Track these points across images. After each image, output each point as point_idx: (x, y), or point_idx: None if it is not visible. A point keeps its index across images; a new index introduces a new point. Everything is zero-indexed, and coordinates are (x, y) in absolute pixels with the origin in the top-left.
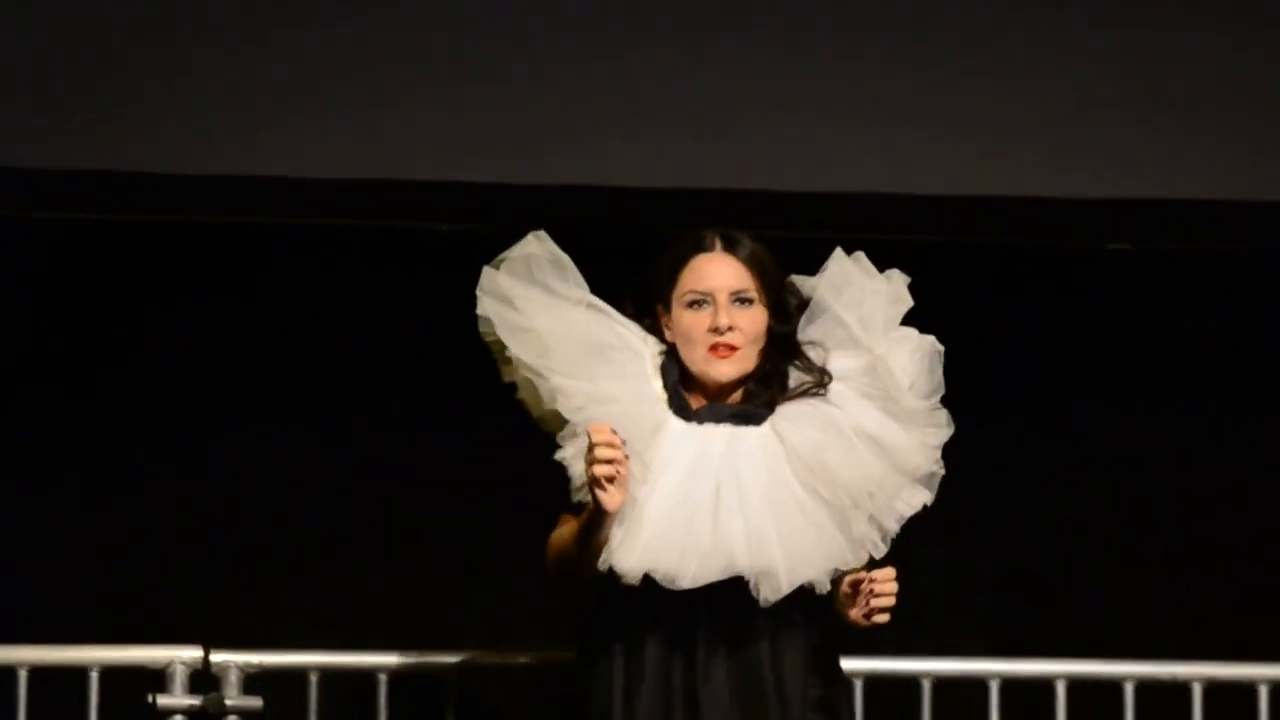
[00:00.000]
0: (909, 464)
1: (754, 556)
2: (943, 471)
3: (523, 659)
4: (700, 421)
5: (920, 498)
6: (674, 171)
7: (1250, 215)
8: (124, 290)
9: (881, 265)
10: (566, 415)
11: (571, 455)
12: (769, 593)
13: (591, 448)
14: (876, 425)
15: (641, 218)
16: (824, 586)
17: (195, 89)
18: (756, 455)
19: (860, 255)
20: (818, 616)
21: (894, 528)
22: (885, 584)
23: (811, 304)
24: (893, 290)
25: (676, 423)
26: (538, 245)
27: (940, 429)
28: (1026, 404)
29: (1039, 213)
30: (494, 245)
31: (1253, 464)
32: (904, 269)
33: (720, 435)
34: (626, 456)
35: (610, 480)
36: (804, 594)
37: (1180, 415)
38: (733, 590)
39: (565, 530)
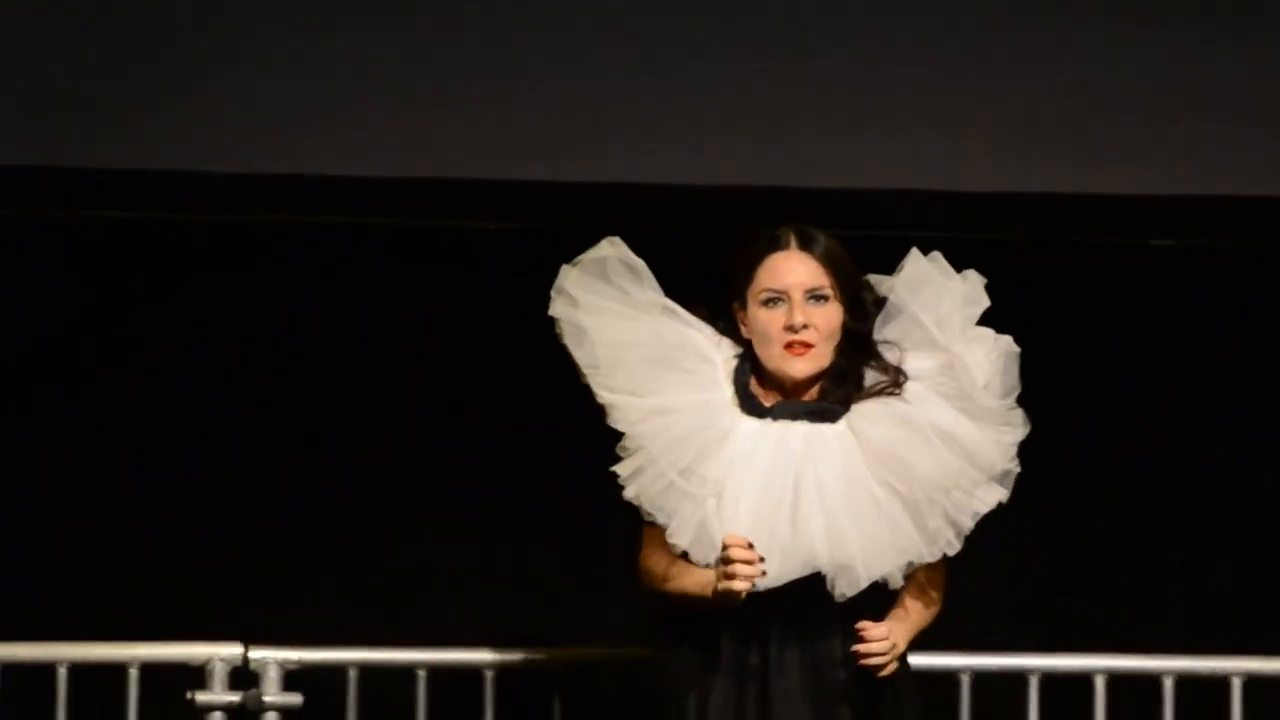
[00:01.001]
0: (984, 461)
1: (833, 552)
2: (1018, 469)
3: (565, 654)
4: (775, 418)
5: (995, 495)
6: (730, 170)
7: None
8: (132, 287)
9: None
10: (621, 429)
11: (629, 473)
12: (846, 587)
13: (728, 561)
14: (952, 423)
15: (702, 217)
16: (897, 581)
17: (207, 87)
18: (833, 451)
19: (937, 255)
20: (886, 611)
21: (969, 524)
22: (873, 644)
23: (888, 303)
24: (969, 290)
25: (750, 423)
26: (611, 249)
27: (1016, 428)
28: (1067, 400)
29: (1081, 209)
30: (527, 244)
31: None
32: (972, 265)
33: (797, 432)
34: (761, 559)
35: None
36: (876, 589)
37: (1216, 411)
38: (806, 585)
39: (663, 564)
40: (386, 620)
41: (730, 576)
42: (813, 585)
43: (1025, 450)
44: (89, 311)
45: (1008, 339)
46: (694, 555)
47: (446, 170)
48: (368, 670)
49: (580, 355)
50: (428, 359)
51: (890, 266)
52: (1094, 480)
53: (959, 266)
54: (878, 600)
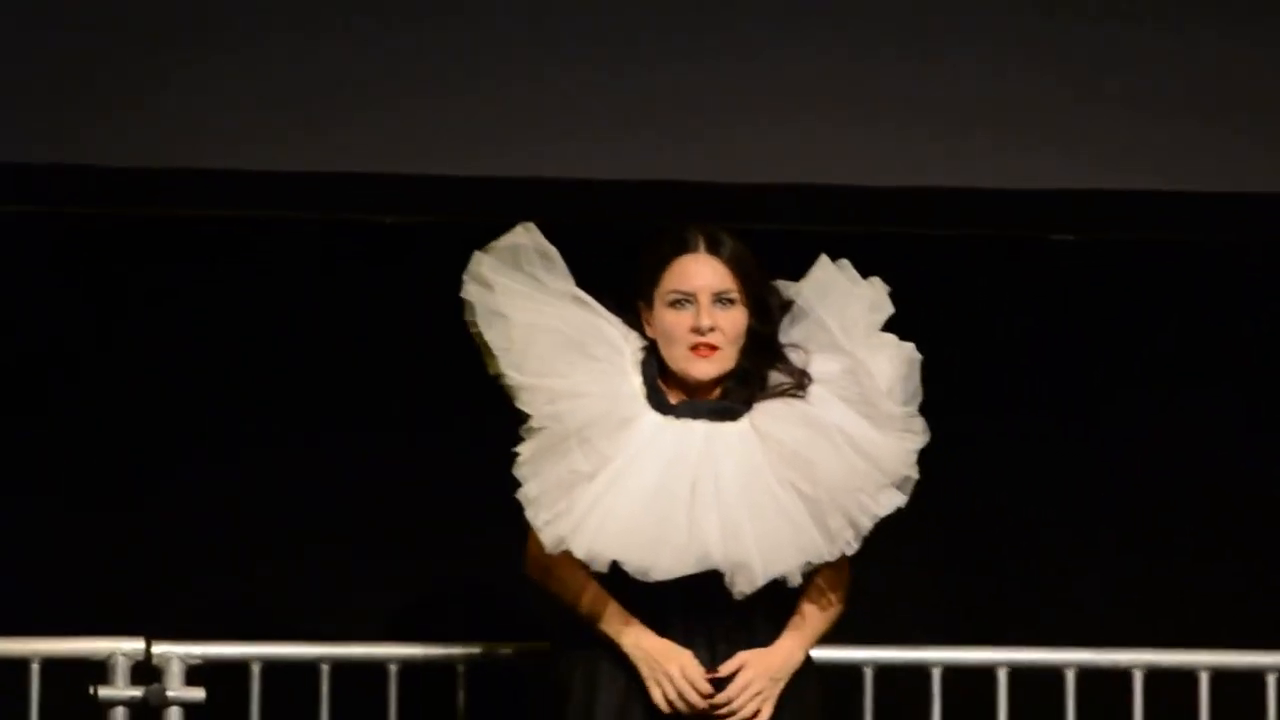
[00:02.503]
0: (886, 465)
1: (729, 549)
2: (917, 476)
3: (469, 649)
4: (679, 416)
5: (894, 500)
6: (646, 165)
7: (1201, 207)
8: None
9: (856, 258)
10: (529, 411)
11: (529, 454)
12: (744, 585)
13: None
14: (856, 426)
15: (611, 211)
16: (795, 580)
17: (176, 84)
18: (734, 449)
19: (845, 262)
20: (784, 609)
21: (868, 526)
22: (734, 698)
23: (795, 307)
24: (874, 296)
25: (653, 417)
26: (525, 236)
27: (916, 435)
28: (972, 395)
29: (995, 203)
30: (476, 238)
31: (1235, 448)
32: (877, 262)
33: (698, 430)
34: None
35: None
36: (777, 588)
37: (1129, 402)
38: (701, 583)
39: (578, 577)
40: (290, 616)
41: (660, 687)
42: (707, 584)
43: (938, 445)
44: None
45: (910, 346)
46: (572, 544)
47: (362, 165)
48: (271, 665)
49: (492, 337)
50: (343, 355)
51: (797, 261)
52: (1001, 473)
53: (859, 262)
54: (777, 599)
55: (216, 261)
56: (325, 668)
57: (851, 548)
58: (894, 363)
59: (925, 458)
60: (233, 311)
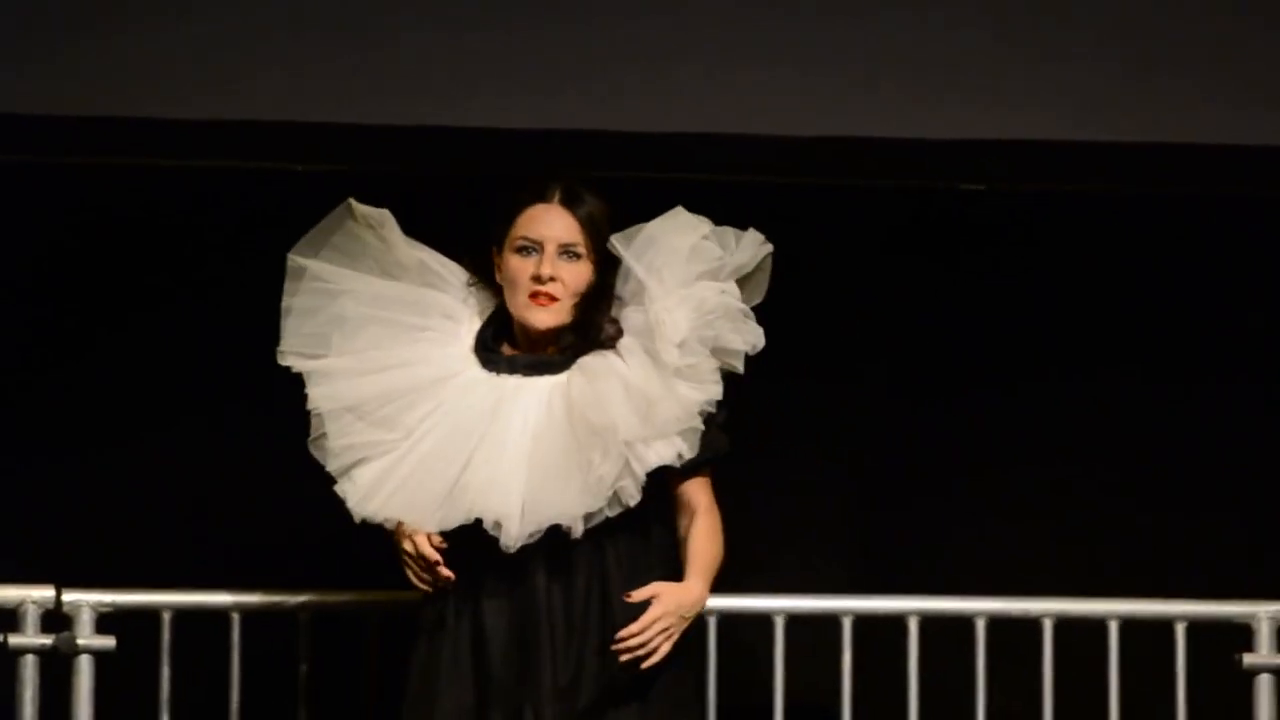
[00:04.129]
0: (662, 417)
1: (491, 502)
2: (702, 428)
3: (373, 597)
4: (498, 372)
5: (674, 449)
6: (516, 114)
7: (1111, 157)
8: None
9: (765, 208)
10: (311, 395)
11: (335, 428)
12: (506, 537)
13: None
14: (642, 378)
15: (485, 162)
16: (577, 530)
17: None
18: (533, 404)
19: (679, 210)
20: (641, 558)
21: (642, 476)
22: (637, 635)
23: (623, 263)
24: (697, 244)
25: (472, 374)
26: (349, 212)
27: (705, 385)
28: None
29: (891, 151)
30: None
31: (1141, 397)
32: (783, 213)
33: (508, 384)
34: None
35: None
36: (628, 530)
37: (1066, 352)
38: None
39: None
40: (200, 564)
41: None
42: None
43: (851, 395)
44: None
45: (730, 297)
46: (364, 512)
47: (257, 113)
48: (181, 613)
49: (287, 325)
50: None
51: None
52: (912, 424)
53: (767, 212)
54: (636, 546)
55: (111, 211)
56: (236, 616)
57: (634, 498)
58: (698, 313)
59: (841, 409)
60: (129, 262)
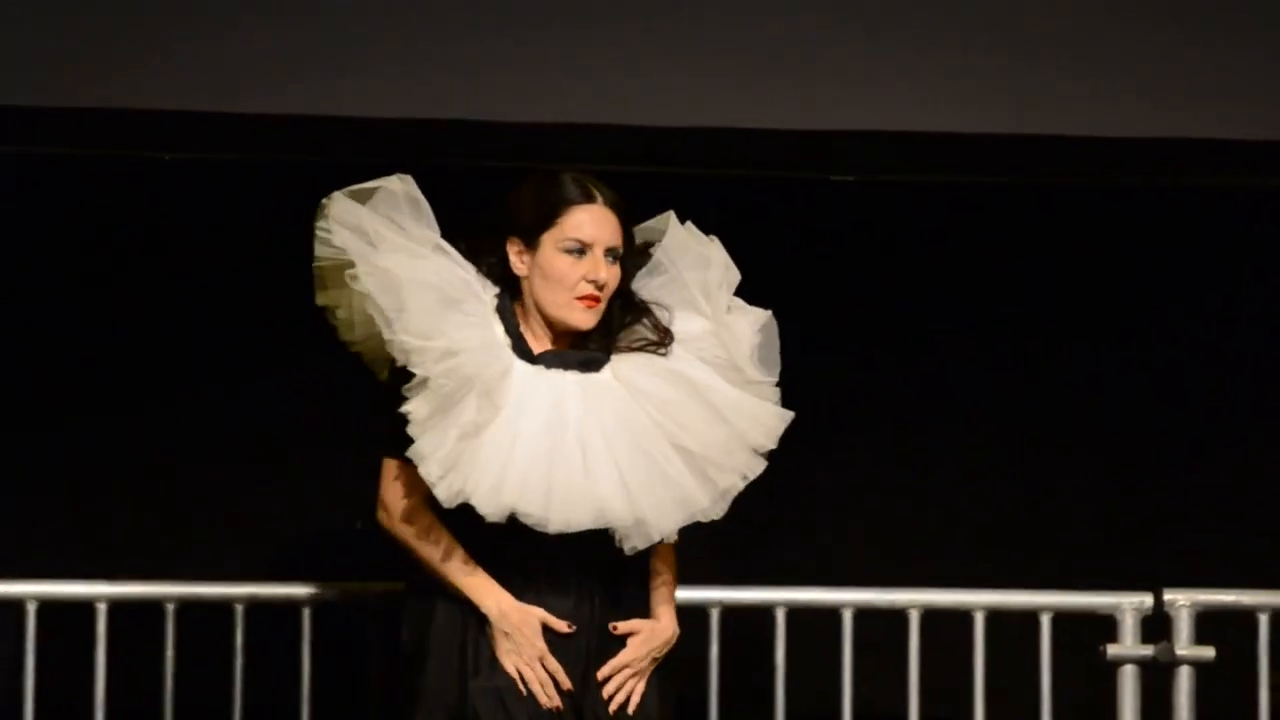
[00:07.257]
0: (754, 432)
1: (621, 506)
2: (774, 447)
3: (248, 589)
4: (548, 366)
5: (759, 466)
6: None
7: (997, 148)
8: None
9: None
10: (420, 373)
11: (423, 413)
12: (639, 541)
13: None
14: (723, 390)
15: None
16: (672, 538)
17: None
18: (610, 403)
19: (690, 224)
20: (642, 571)
21: (736, 490)
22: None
23: (652, 262)
24: (725, 259)
25: (524, 366)
26: (399, 184)
27: (776, 406)
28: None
29: (778, 143)
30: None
31: (1034, 377)
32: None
33: (570, 381)
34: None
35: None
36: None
37: (957, 336)
38: (583, 535)
39: (443, 541)
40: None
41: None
42: (588, 536)
43: None
44: None
45: (768, 313)
46: (472, 497)
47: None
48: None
49: (385, 301)
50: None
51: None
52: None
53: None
54: (641, 559)
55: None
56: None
57: (724, 509)
58: (755, 328)
59: None
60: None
